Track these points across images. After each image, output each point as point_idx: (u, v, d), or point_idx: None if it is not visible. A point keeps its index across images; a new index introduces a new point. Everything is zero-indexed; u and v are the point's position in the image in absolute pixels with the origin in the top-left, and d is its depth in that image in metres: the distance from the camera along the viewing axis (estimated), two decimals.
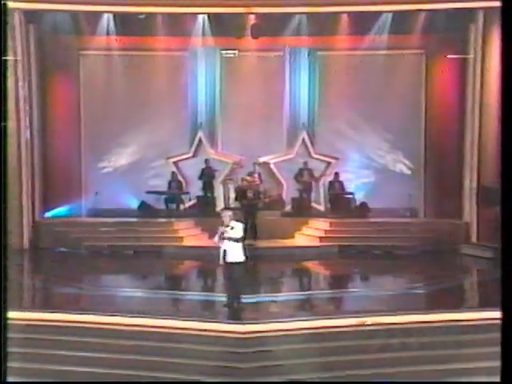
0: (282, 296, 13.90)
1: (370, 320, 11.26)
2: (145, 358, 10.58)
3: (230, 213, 12.07)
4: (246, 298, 12.41)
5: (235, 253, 11.80)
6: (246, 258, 12.01)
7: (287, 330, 11.08)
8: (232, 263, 11.83)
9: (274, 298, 13.48)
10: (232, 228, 11.76)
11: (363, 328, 11.16)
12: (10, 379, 9.16)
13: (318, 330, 11.09)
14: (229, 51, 22.54)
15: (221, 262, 11.91)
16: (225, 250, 11.80)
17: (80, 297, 13.87)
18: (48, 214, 21.10)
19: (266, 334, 10.98)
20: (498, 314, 8.88)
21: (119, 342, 10.91)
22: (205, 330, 10.98)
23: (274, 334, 11.02)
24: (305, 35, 21.62)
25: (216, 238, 11.98)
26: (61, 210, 21.41)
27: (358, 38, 21.65)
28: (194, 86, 22.70)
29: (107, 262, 18.44)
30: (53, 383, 10.21)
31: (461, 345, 10.99)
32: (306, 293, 14.69)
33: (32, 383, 10.19)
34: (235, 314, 11.73)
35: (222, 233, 11.78)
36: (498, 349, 8.39)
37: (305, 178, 21.87)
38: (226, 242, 11.78)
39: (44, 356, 10.69)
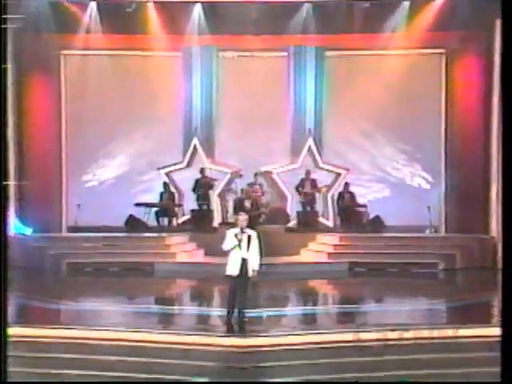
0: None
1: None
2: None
3: (246, 216, 11.65)
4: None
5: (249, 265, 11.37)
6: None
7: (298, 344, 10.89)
8: (244, 276, 11.36)
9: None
10: (249, 236, 11.37)
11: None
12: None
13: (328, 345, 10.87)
14: (227, 50, 22.37)
15: (233, 272, 11.36)
16: (243, 259, 11.29)
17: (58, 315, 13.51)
18: (24, 229, 20.72)
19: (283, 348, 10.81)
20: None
21: (111, 359, 10.69)
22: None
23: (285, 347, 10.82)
24: (311, 33, 21.39)
25: (226, 244, 11.43)
26: (39, 224, 20.98)
27: (369, 35, 21.46)
28: (189, 89, 22.45)
29: (90, 281, 18.00)
30: (53, 383, 10.39)
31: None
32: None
33: (32, 383, 10.38)
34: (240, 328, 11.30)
35: (240, 239, 11.29)
36: None
37: (306, 188, 21.49)
38: (239, 251, 11.30)
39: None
